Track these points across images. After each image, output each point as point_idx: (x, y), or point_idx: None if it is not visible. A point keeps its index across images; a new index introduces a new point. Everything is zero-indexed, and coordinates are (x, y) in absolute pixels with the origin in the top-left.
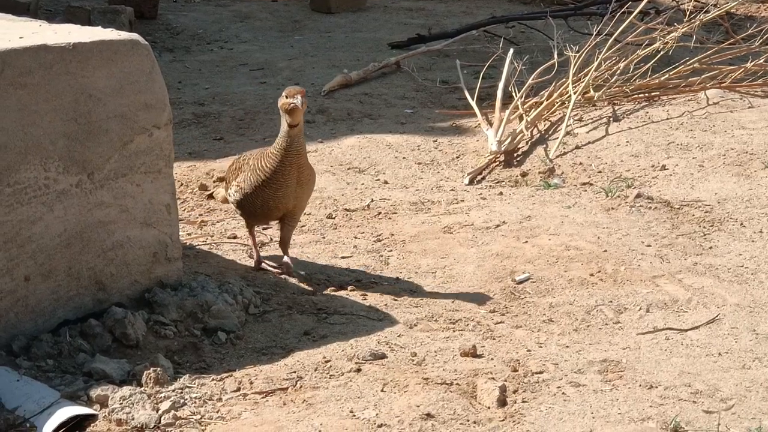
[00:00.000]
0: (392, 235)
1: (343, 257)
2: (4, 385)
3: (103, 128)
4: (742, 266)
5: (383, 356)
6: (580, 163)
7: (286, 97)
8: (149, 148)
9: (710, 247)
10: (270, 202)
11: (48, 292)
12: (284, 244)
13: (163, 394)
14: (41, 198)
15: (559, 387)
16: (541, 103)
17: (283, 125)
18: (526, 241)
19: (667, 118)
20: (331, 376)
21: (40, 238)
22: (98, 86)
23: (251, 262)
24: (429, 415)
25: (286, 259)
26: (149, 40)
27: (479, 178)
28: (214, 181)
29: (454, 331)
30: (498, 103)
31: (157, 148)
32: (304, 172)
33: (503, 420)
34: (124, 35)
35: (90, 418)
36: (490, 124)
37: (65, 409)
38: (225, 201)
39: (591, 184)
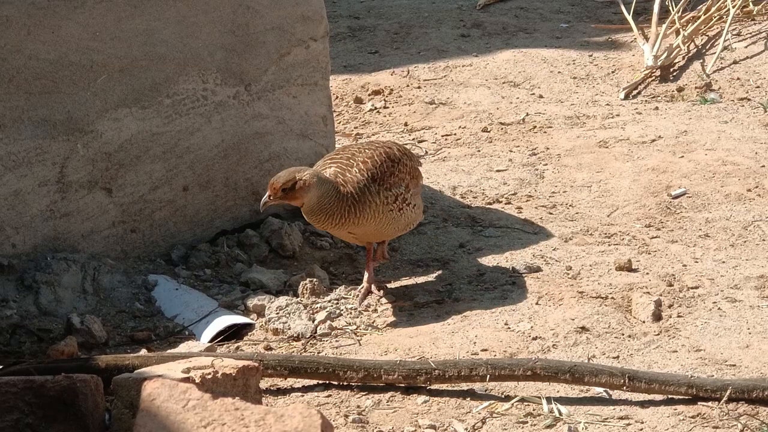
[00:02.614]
0: (547, 149)
1: (498, 170)
2: (163, 294)
3: (261, 40)
4: None
5: (538, 269)
6: (738, 78)
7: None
8: (306, 60)
9: None
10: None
11: (206, 203)
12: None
13: (319, 305)
14: (199, 109)
15: (714, 302)
16: (699, 17)
17: None
18: (682, 156)
19: None
20: (486, 288)
21: (198, 148)
22: None
23: None
24: (584, 329)
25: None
26: None
27: (635, 92)
28: (369, 95)
29: (609, 245)
30: (654, 18)
31: (314, 61)
32: (346, 222)
33: (658, 334)
34: None
35: (247, 327)
36: (646, 38)
37: (223, 318)
38: None
39: (749, 100)
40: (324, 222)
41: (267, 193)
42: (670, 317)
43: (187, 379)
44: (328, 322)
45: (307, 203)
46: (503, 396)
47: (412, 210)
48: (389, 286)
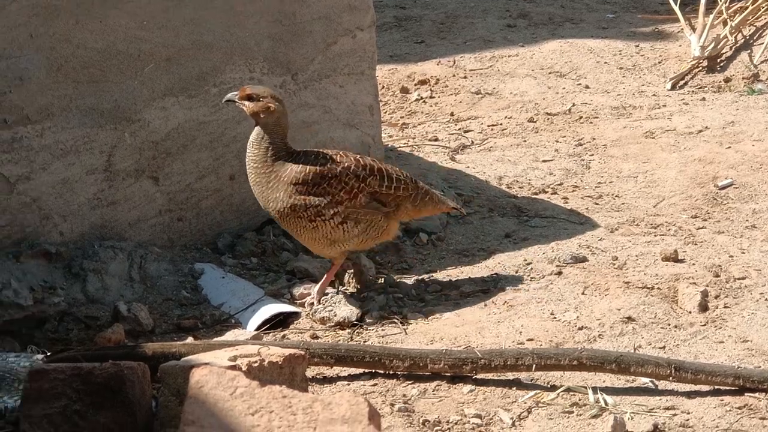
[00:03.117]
0: (593, 139)
1: (544, 161)
2: (210, 282)
3: (307, 29)
4: None
5: (584, 259)
6: None
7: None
8: (352, 49)
9: None
10: None
11: (252, 192)
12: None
13: (365, 294)
14: None
15: (762, 293)
16: (746, 7)
17: None
18: (729, 147)
19: None
20: (532, 278)
21: (245, 137)
22: None
23: (452, 165)
24: (630, 319)
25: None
26: None
27: (681, 83)
28: (415, 85)
29: (655, 235)
30: (701, 8)
31: (360, 50)
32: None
33: (704, 325)
34: None
35: (293, 316)
36: (693, 29)
37: (269, 306)
38: None
39: None
40: (252, 170)
41: (236, 93)
42: (717, 308)
43: (233, 367)
44: (374, 311)
45: (260, 125)
46: (549, 386)
47: (334, 227)
48: (435, 275)
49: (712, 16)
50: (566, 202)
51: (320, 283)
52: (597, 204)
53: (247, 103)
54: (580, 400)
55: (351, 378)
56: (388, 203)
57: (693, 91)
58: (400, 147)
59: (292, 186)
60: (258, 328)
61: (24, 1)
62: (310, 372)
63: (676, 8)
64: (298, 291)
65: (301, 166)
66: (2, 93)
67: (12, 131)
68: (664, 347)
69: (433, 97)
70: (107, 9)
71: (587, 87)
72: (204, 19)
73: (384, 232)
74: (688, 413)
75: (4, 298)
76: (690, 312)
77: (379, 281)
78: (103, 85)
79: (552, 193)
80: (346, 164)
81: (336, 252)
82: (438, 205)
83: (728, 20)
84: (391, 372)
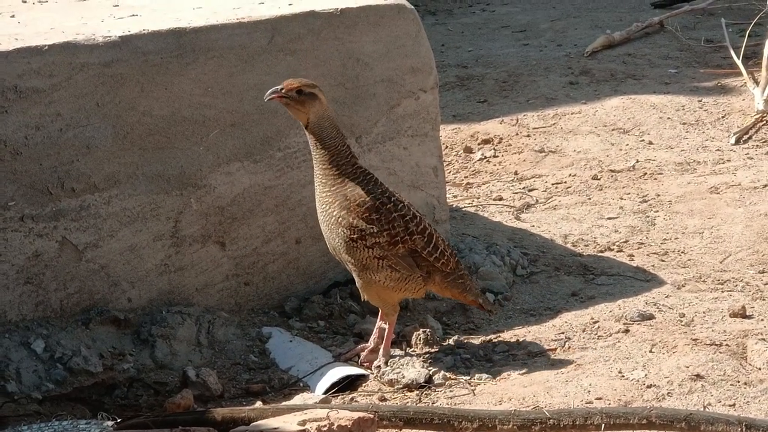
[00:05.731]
0: (658, 195)
1: (609, 218)
2: (277, 346)
3: (371, 92)
4: None
5: (651, 317)
6: None
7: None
8: (416, 111)
9: None
10: None
11: (318, 254)
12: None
13: (432, 355)
14: (310, 162)
15: None
16: None
17: None
18: None
19: None
20: (599, 336)
21: (310, 201)
22: (365, 51)
23: (517, 224)
24: (698, 376)
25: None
26: (412, 3)
27: (746, 137)
28: (478, 144)
29: (722, 291)
30: (765, 62)
31: (424, 112)
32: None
33: None
34: (390, 0)
35: (361, 378)
36: (757, 82)
37: (337, 369)
38: None
39: None
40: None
41: (281, 87)
42: None
43: None
44: (442, 372)
45: (311, 119)
46: None
47: (368, 256)
48: (502, 335)
49: None
50: (632, 260)
51: (383, 345)
52: (663, 261)
53: (290, 103)
54: None
55: None
56: (422, 267)
57: (757, 145)
58: (464, 207)
59: (352, 204)
60: (326, 392)
61: (90, 71)
62: None
63: (739, 62)
64: (344, 349)
65: (366, 190)
66: (70, 162)
67: (80, 199)
68: (734, 405)
69: (497, 156)
70: (172, 76)
71: (651, 143)
72: (268, 84)
73: (419, 291)
74: None
75: (74, 365)
76: (760, 369)
77: (447, 342)
78: (168, 152)
79: (618, 251)
80: (403, 213)
81: (374, 294)
82: (465, 294)
83: None
84: None
